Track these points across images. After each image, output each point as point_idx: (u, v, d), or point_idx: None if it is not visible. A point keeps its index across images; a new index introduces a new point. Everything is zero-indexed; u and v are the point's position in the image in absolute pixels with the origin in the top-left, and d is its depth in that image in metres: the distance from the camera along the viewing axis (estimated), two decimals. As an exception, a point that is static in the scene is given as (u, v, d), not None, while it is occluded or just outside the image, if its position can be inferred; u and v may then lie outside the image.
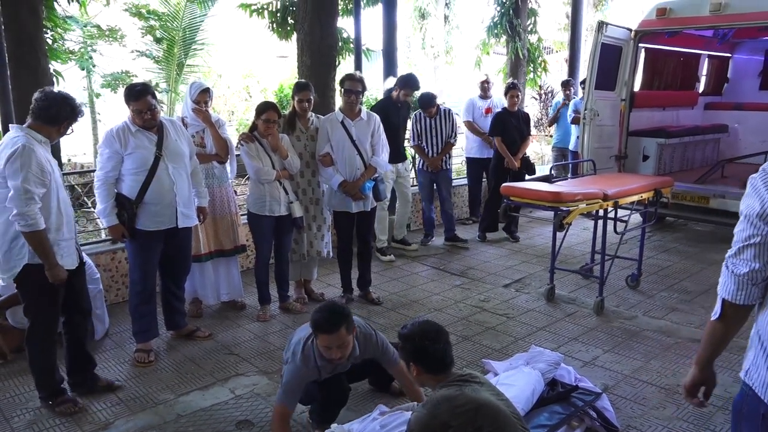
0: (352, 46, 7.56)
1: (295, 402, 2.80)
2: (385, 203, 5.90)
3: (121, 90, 5.20)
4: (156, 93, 3.69)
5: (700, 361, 1.76)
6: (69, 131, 3.15)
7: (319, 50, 6.29)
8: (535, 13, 10.48)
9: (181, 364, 3.76)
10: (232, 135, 5.24)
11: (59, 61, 8.35)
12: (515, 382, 2.96)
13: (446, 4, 21.44)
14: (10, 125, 3.09)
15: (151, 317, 3.84)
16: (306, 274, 4.82)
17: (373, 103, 6.98)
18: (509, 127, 6.34)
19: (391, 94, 5.79)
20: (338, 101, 5.34)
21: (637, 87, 7.22)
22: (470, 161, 7.22)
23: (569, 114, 8.05)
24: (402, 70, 7.07)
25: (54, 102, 2.99)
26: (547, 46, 15.54)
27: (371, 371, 3.21)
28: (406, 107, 5.91)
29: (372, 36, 8.94)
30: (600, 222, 4.76)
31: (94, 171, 3.83)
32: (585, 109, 6.47)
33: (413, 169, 7.04)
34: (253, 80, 17.75)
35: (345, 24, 8.45)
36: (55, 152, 4.97)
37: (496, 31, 10.33)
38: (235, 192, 4.98)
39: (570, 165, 7.58)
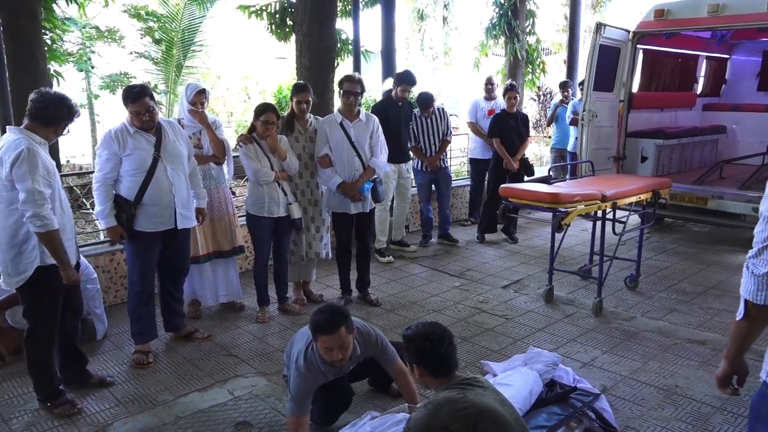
0: (350, 47, 7.56)
1: (308, 408, 2.79)
2: (387, 204, 5.92)
3: (120, 91, 5.19)
4: (154, 94, 3.69)
5: (729, 356, 1.80)
6: (65, 132, 3.14)
7: (317, 51, 6.29)
8: (534, 15, 10.50)
9: (180, 366, 3.76)
10: (231, 136, 5.23)
11: (58, 62, 8.35)
12: (513, 382, 2.96)
13: (445, 6, 21.50)
14: (7, 127, 3.07)
15: (150, 319, 3.84)
16: (305, 276, 4.82)
17: (372, 105, 6.99)
18: (508, 128, 6.35)
19: (391, 94, 5.81)
20: (337, 102, 5.35)
21: (635, 88, 7.24)
22: (473, 162, 7.25)
23: (568, 115, 8.06)
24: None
25: (51, 103, 2.99)
26: (546, 47, 15.57)
27: (371, 370, 3.20)
28: (407, 107, 5.92)
29: (371, 37, 8.96)
30: (598, 223, 4.76)
31: (92, 172, 3.83)
32: (583, 111, 6.48)
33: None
34: (252, 81, 17.77)
35: (344, 25, 8.46)
36: (54, 153, 4.99)
37: (494, 32, 10.35)
38: (234, 193, 4.98)
39: (568, 166, 7.58)
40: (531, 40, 10.56)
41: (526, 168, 6.53)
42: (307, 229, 4.59)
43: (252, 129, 4.32)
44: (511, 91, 6.36)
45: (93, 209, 4.14)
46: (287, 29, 8.32)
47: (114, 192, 3.56)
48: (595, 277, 4.69)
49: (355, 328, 2.81)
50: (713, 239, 6.74)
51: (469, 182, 7.54)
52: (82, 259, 3.76)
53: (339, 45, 7.82)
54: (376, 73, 7.34)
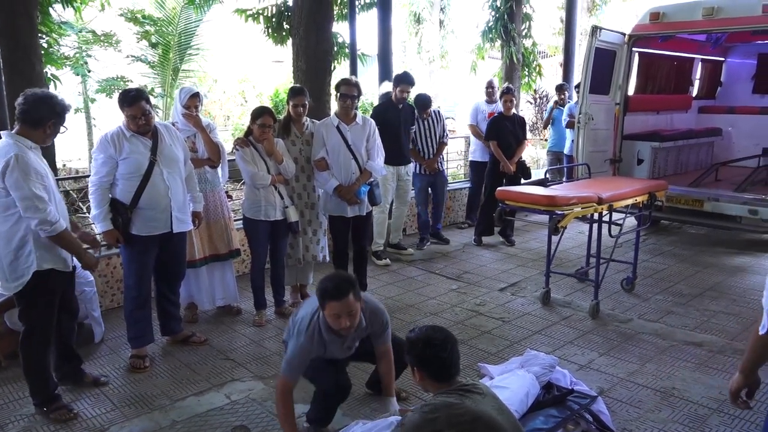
0: (347, 50, 7.59)
1: (298, 376, 2.79)
2: (386, 206, 5.92)
3: (116, 95, 5.19)
4: (151, 98, 3.69)
5: (745, 369, 1.80)
6: (62, 130, 3.10)
7: (314, 55, 6.31)
8: (530, 18, 10.54)
9: (177, 370, 3.74)
10: (228, 140, 5.23)
11: (54, 66, 8.35)
12: (509, 384, 2.96)
13: (441, 9, 21.56)
14: (0, 132, 3.03)
15: (146, 323, 3.83)
16: (302, 279, 4.81)
17: (369, 108, 7.00)
18: (504, 131, 6.36)
19: (391, 97, 5.82)
20: (333, 106, 5.36)
21: (631, 91, 7.26)
22: (473, 165, 7.28)
23: (564, 118, 8.08)
24: (397, 75, 7.11)
25: (34, 104, 2.95)
26: (542, 50, 15.60)
27: (371, 353, 3.13)
28: (407, 109, 5.93)
29: (367, 41, 8.98)
30: (595, 225, 4.78)
31: (88, 176, 3.82)
32: (579, 113, 6.49)
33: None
34: (249, 85, 17.75)
35: (340, 29, 8.49)
36: (50, 157, 4.98)
37: (490, 35, 10.39)
38: (230, 197, 4.97)
39: (565, 169, 7.59)
40: (527, 43, 10.60)
41: (523, 171, 6.54)
42: (304, 232, 4.59)
43: (249, 132, 4.32)
44: (507, 94, 6.38)
45: (89, 213, 4.13)
46: (284, 33, 8.34)
47: (110, 195, 3.55)
48: (592, 280, 4.70)
49: (366, 303, 2.80)
50: (709, 241, 6.76)
51: (466, 185, 7.55)
52: (76, 261, 3.74)
53: (336, 48, 7.85)
54: (373, 76, 7.36)
